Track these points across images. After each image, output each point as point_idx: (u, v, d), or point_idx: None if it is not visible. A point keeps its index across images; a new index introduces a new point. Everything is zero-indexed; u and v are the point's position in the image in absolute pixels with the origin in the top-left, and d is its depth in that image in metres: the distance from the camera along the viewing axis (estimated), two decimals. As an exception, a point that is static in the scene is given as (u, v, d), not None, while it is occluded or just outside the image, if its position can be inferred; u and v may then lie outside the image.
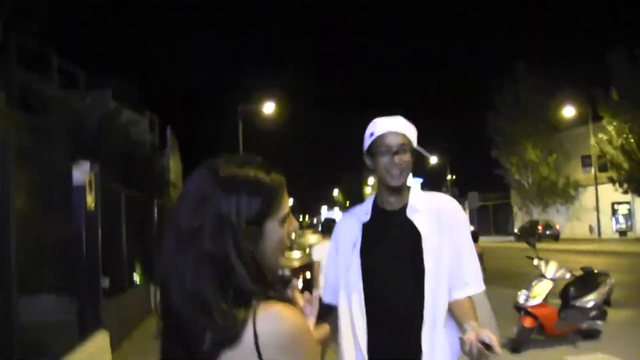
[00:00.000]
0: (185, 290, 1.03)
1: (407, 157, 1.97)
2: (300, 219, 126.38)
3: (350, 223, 2.11)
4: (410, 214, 2.00)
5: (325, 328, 1.56)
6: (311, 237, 20.09)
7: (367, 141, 2.03)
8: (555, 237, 33.66)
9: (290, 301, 1.19)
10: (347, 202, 69.59)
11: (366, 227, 2.05)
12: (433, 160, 61.43)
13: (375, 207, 2.08)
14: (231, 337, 1.01)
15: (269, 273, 1.12)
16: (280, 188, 1.13)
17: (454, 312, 1.92)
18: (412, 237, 1.95)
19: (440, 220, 1.98)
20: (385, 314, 1.95)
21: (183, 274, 1.04)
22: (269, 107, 24.98)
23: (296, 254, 16.48)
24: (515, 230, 37.59)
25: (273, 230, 1.11)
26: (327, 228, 6.74)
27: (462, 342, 1.76)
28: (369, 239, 2.02)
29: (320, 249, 6.36)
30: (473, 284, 1.97)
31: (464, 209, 18.26)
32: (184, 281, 1.03)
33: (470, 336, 1.72)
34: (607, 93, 30.64)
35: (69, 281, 6.00)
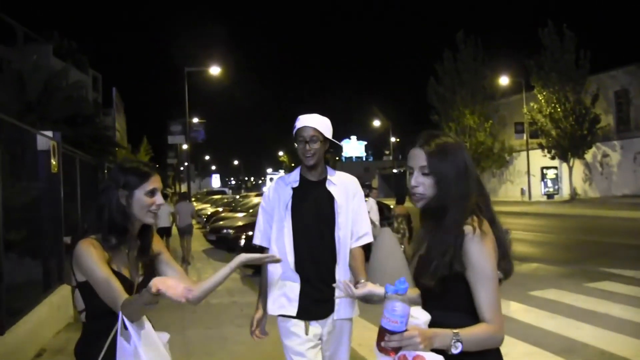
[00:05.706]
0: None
1: (316, 146, 2.65)
2: (246, 179, 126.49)
3: (282, 186, 2.78)
4: (328, 185, 2.74)
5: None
6: (255, 199, 20.67)
7: (294, 131, 2.72)
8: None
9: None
10: (293, 163, 70.02)
11: (296, 191, 2.73)
12: (376, 123, 62.60)
13: (302, 177, 2.76)
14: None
15: (136, 221, 1.99)
16: (147, 175, 1.98)
17: (350, 260, 2.70)
18: (329, 201, 2.70)
19: (347, 191, 2.75)
20: (309, 256, 2.67)
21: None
22: (215, 70, 24.91)
23: (240, 215, 17.06)
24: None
25: (139, 197, 1.97)
26: None
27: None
28: (298, 200, 2.71)
29: None
30: (366, 236, 2.77)
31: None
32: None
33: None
34: (539, 65, 32.51)
35: (35, 241, 6.35)
